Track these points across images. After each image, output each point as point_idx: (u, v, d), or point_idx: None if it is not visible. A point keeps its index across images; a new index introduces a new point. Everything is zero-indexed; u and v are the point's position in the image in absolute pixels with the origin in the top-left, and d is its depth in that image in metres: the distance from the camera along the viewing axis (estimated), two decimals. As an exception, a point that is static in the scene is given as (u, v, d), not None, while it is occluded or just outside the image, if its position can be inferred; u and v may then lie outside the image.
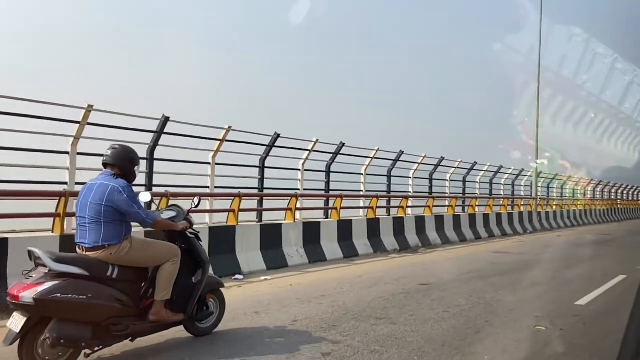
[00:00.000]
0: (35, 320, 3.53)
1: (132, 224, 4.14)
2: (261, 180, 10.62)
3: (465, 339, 4.74)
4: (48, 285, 3.52)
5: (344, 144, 12.76)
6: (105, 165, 4.11)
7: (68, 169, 7.37)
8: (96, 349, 3.82)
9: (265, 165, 10.77)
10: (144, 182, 8.65)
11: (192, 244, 4.50)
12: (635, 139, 47.13)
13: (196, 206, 4.73)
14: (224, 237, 8.09)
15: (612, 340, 4.59)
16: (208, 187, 9.38)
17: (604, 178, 37.30)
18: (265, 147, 10.57)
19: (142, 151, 8.41)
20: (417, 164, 16.46)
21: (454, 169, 18.58)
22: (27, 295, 3.44)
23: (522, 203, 20.85)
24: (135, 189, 4.23)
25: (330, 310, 5.75)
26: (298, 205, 9.77)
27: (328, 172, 12.90)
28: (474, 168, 19.78)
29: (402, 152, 15.25)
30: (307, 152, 11.91)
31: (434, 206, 15.94)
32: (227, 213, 8.59)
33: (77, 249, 3.97)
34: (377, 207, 11.70)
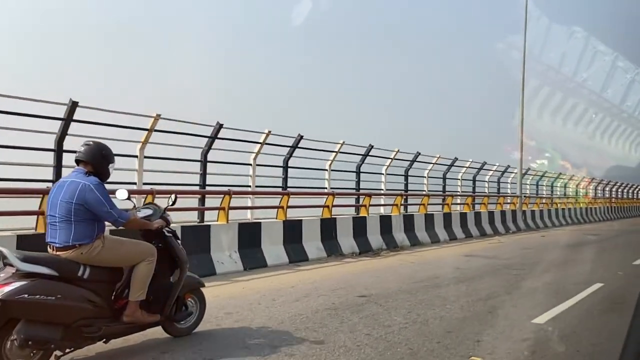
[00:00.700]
0: (3, 321, 3.43)
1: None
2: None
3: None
4: (15, 285, 3.43)
5: (302, 137, 11.68)
6: (77, 162, 3.99)
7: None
8: (67, 350, 3.70)
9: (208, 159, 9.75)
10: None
11: (169, 243, 4.34)
12: (638, 138, 46.21)
13: (172, 204, 4.57)
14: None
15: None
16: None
17: (605, 177, 36.53)
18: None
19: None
20: (390, 159, 15.39)
21: (432, 164, 17.51)
22: None
23: (505, 201, 19.73)
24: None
25: (221, 336, 4.68)
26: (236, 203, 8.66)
27: (286, 167, 11.84)
28: (455, 164, 18.72)
29: (372, 147, 14.16)
30: (259, 146, 10.86)
31: (408, 205, 14.93)
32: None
33: (48, 248, 3.84)
34: (335, 206, 10.58)
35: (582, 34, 37.97)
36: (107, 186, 4.01)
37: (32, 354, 3.52)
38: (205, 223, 8.54)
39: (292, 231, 9.36)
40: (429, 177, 17.59)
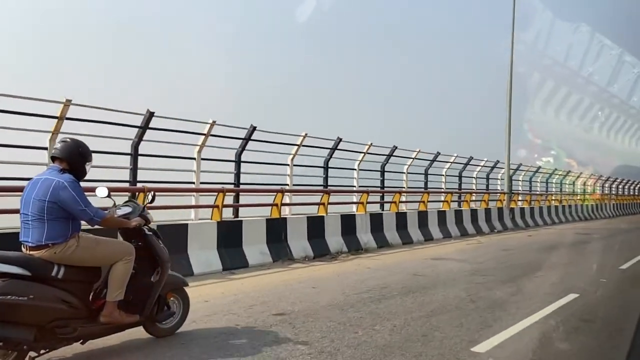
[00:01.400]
0: None
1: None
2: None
3: None
4: None
5: (255, 128, 10.59)
6: (53, 159, 3.91)
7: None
8: (42, 352, 3.61)
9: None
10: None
11: (149, 241, 4.24)
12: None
13: (150, 202, 4.58)
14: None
15: None
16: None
17: (612, 175, 35.38)
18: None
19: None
20: (362, 154, 14.27)
21: (411, 159, 16.37)
22: None
23: (490, 198, 18.55)
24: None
25: None
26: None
27: (238, 162, 10.76)
28: (438, 160, 17.57)
29: (340, 140, 13.04)
30: (204, 137, 9.78)
31: (384, 203, 13.80)
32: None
33: (22, 247, 3.74)
34: (284, 204, 9.46)
35: (586, 29, 36.78)
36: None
37: (5, 355, 3.44)
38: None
39: (229, 233, 8.24)
40: (408, 172, 16.47)
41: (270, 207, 9.40)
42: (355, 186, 14.18)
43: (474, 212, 15.94)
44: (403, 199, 15.27)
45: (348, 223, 10.81)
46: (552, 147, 34.19)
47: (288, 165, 12.05)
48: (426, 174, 17.45)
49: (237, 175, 10.71)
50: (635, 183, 39.80)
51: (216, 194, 8.38)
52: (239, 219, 8.81)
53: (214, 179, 10.43)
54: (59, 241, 3.67)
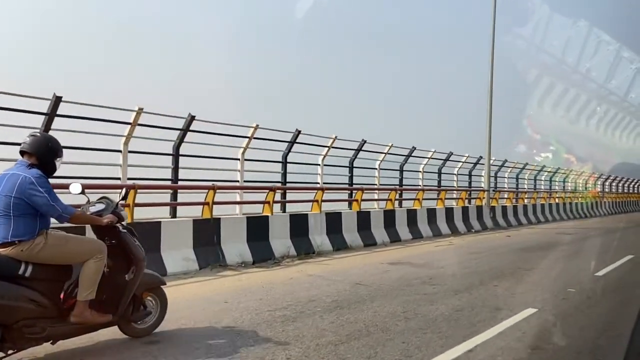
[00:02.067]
0: None
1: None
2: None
3: None
4: None
5: (193, 117, 9.52)
6: (22, 153, 3.76)
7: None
8: (10, 352, 3.51)
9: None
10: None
11: (122, 239, 4.10)
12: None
13: (123, 198, 4.62)
14: None
15: None
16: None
17: (611, 172, 34.49)
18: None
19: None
20: (327, 148, 13.20)
21: (384, 154, 15.30)
22: None
23: (467, 196, 17.50)
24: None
25: None
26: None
27: (177, 155, 9.69)
28: (413, 155, 16.50)
29: (299, 132, 12.00)
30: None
31: (360, 201, 12.73)
32: None
33: None
34: (216, 203, 8.37)
35: (584, 24, 35.81)
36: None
37: None
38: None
39: (146, 237, 7.14)
40: (380, 169, 15.41)
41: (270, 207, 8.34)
42: (319, 183, 13.13)
43: (449, 211, 14.87)
44: (375, 196, 14.28)
45: (299, 223, 9.75)
46: (551, 142, 33.27)
47: (238, 159, 11.01)
48: (401, 170, 16.40)
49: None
50: (634, 181, 38.82)
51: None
52: (157, 219, 7.74)
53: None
54: (25, 238, 3.56)
